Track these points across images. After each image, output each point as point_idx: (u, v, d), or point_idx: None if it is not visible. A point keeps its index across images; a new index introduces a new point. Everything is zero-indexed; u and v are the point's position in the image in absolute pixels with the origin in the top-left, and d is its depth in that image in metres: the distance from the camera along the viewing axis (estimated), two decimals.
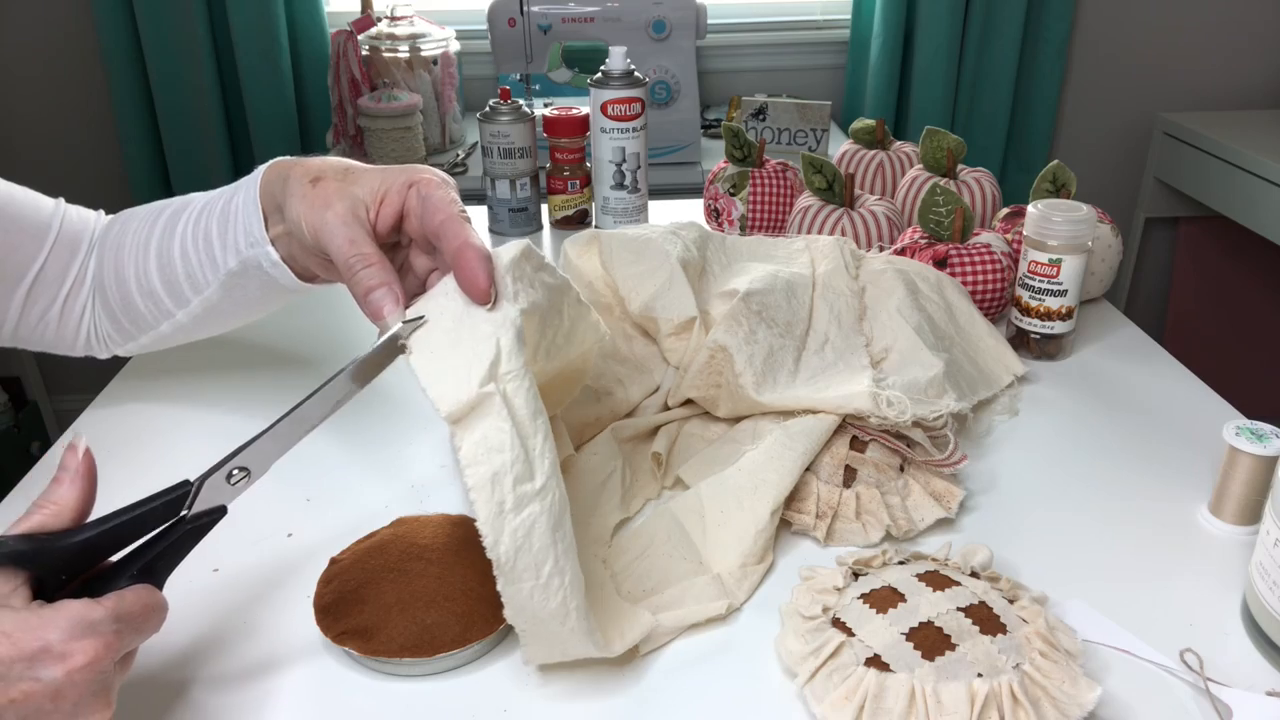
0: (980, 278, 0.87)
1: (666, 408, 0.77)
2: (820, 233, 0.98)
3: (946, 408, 0.67)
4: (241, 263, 0.64)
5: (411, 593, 0.55)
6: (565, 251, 0.82)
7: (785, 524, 0.65)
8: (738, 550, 0.60)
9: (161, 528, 0.47)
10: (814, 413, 0.68)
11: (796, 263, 0.84)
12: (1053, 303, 0.84)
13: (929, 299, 0.83)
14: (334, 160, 0.60)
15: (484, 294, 0.52)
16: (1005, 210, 1.00)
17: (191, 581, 0.61)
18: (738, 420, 0.73)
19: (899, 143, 1.15)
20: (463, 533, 0.60)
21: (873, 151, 1.13)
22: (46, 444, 2.17)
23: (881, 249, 0.93)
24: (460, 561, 0.57)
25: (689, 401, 0.76)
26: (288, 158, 0.63)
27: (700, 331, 0.75)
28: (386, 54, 1.72)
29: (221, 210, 0.66)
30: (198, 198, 0.70)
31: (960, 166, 1.05)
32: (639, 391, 0.77)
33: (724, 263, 0.84)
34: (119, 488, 0.65)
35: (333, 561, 0.59)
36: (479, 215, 1.23)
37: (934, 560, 0.58)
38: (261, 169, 0.64)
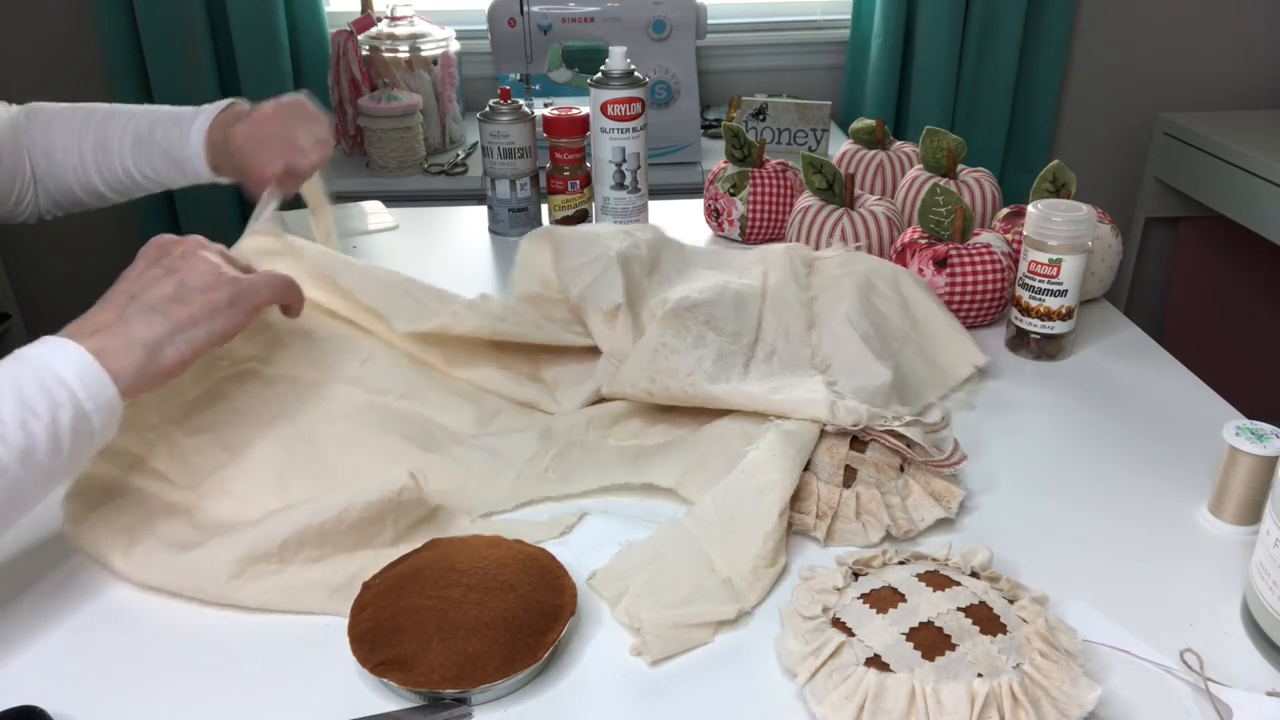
0: (980, 278, 0.87)
1: (601, 400, 0.77)
2: (820, 233, 0.98)
3: (904, 414, 0.68)
4: (188, 179, 0.95)
5: (452, 621, 0.53)
6: (521, 246, 0.85)
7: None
8: (748, 553, 0.60)
9: None
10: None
11: (749, 274, 0.85)
12: (1053, 303, 0.84)
13: (884, 296, 0.83)
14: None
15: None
16: (1005, 210, 1.00)
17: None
18: (701, 423, 0.73)
19: (899, 143, 1.15)
20: (500, 554, 0.58)
21: (873, 151, 1.13)
22: None
23: (858, 249, 0.93)
24: (500, 586, 0.55)
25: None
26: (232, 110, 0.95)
27: (627, 317, 0.77)
28: (386, 54, 1.72)
29: (164, 152, 0.94)
30: (120, 114, 0.97)
31: (960, 166, 1.05)
32: (540, 336, 0.79)
33: (679, 267, 0.86)
34: None
35: (365, 587, 0.57)
36: (479, 215, 1.23)
37: (934, 560, 0.58)
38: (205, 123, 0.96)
